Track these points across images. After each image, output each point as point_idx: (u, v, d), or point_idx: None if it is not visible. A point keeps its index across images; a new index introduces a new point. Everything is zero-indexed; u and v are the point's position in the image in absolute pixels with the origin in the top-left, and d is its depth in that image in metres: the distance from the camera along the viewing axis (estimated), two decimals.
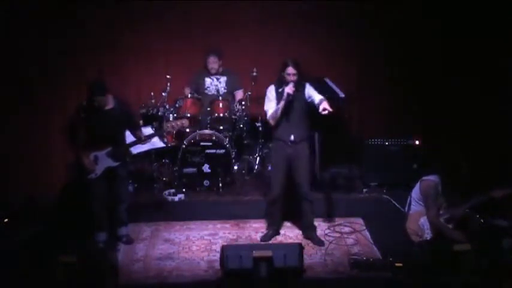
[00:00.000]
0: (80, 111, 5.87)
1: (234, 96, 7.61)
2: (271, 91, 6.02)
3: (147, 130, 6.53)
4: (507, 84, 7.29)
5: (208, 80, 7.53)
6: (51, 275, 4.91)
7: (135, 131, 6.07)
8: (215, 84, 7.53)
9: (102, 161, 5.84)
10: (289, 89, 5.79)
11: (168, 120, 7.01)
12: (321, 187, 7.16)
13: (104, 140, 5.85)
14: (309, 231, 6.23)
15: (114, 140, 5.88)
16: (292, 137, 5.94)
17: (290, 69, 5.85)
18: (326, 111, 5.66)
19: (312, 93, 5.92)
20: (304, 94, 5.94)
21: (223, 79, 7.55)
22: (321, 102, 5.74)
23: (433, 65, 7.72)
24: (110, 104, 5.83)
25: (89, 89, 5.75)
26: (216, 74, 7.52)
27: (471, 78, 7.49)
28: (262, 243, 6.07)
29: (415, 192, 5.82)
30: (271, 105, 5.98)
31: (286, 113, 5.91)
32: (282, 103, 5.85)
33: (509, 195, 5.68)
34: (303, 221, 6.28)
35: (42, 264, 5.25)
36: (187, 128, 7.17)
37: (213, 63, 7.43)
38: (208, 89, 7.54)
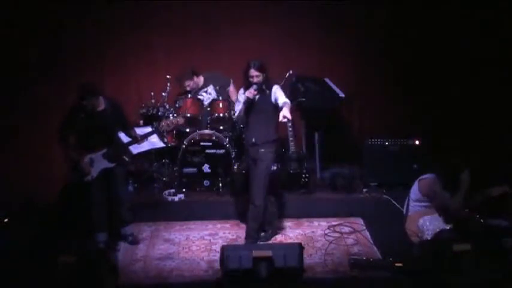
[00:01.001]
0: (71, 114, 5.84)
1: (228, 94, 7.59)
2: (240, 93, 5.98)
3: (147, 129, 6.52)
4: (506, 84, 7.30)
5: (199, 98, 7.52)
6: (51, 275, 4.91)
7: (128, 131, 6.05)
8: (208, 97, 7.51)
9: (98, 163, 5.83)
10: (248, 93, 5.74)
11: (166, 118, 7.00)
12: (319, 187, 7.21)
13: (98, 141, 5.82)
14: (248, 238, 6.05)
15: (109, 141, 5.86)
16: (253, 139, 5.86)
17: (252, 72, 5.77)
18: (285, 119, 5.58)
19: (278, 95, 5.79)
20: (270, 96, 5.83)
21: (210, 88, 7.53)
22: (283, 105, 5.62)
23: (433, 65, 7.72)
24: (102, 105, 5.81)
25: (79, 91, 5.72)
26: (199, 89, 7.52)
27: (471, 78, 7.50)
28: (262, 243, 6.06)
29: (413, 193, 5.82)
30: (238, 107, 5.94)
31: (250, 115, 5.85)
32: (243, 106, 5.81)
33: (507, 193, 5.69)
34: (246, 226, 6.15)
35: (42, 264, 5.25)
36: (185, 127, 7.18)
37: (188, 86, 7.42)
38: (205, 103, 7.51)
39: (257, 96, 5.80)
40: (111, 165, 5.86)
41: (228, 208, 6.86)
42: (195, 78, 7.48)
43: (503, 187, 5.71)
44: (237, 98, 6.05)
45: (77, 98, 5.74)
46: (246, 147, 6.09)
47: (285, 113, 5.52)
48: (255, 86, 5.75)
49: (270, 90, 5.84)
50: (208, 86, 7.53)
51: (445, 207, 5.65)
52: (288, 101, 5.76)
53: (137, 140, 6.04)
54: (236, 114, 5.99)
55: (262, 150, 5.84)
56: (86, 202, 5.96)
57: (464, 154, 5.83)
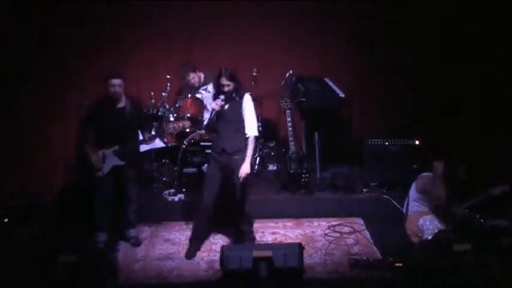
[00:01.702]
0: (90, 109, 5.87)
1: None
2: (209, 101, 5.87)
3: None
4: (507, 83, 7.29)
5: (199, 95, 7.51)
6: (51, 275, 4.91)
7: (144, 132, 6.07)
8: (207, 95, 7.49)
9: (109, 160, 5.85)
10: (214, 104, 5.59)
11: (168, 120, 7.00)
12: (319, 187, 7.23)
13: (112, 138, 5.85)
14: (239, 241, 6.05)
15: (123, 139, 5.87)
16: (223, 148, 5.71)
17: (223, 80, 5.58)
18: (243, 176, 5.56)
19: (245, 111, 5.67)
20: (241, 105, 5.70)
21: (210, 86, 7.52)
22: (247, 141, 5.60)
23: (433, 65, 7.72)
24: (122, 102, 5.83)
25: (106, 77, 5.77)
26: (201, 85, 7.51)
27: (471, 78, 7.50)
28: (262, 243, 6.06)
29: (412, 192, 5.82)
30: (206, 115, 5.80)
31: (219, 122, 5.68)
32: (210, 117, 5.64)
33: (507, 192, 5.69)
34: (235, 230, 6.09)
35: (42, 264, 5.24)
36: (188, 128, 7.19)
37: (193, 78, 7.41)
38: (205, 102, 7.50)
39: (227, 105, 5.67)
40: (122, 163, 5.87)
41: None
42: (198, 72, 7.48)
43: (503, 186, 5.71)
44: (205, 105, 5.88)
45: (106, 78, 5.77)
46: (211, 154, 5.91)
47: (244, 170, 5.55)
48: (222, 97, 5.61)
49: (242, 98, 5.71)
50: (208, 84, 7.52)
51: (437, 199, 5.65)
52: (252, 133, 5.63)
53: (145, 140, 6.05)
54: (204, 123, 5.78)
55: (236, 157, 5.70)
56: (89, 200, 5.97)
57: (463, 153, 5.82)
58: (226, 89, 5.62)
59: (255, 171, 7.50)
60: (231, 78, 5.62)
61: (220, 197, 5.85)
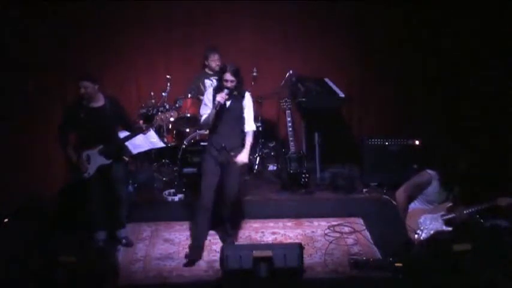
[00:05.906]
0: (70, 113, 5.83)
1: None
2: (208, 96, 5.82)
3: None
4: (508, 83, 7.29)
5: (208, 82, 7.50)
6: (51, 275, 4.91)
7: (130, 127, 6.00)
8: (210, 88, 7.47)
9: (95, 160, 5.81)
10: (220, 97, 5.59)
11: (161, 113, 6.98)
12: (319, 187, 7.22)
13: (95, 138, 5.80)
14: (225, 238, 6.10)
15: (106, 138, 5.83)
16: (223, 144, 5.71)
17: (227, 76, 5.60)
18: (238, 162, 5.65)
19: (246, 107, 5.75)
20: (242, 103, 5.75)
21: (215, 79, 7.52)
22: (245, 136, 5.73)
23: (434, 65, 7.73)
24: (100, 101, 5.80)
25: (78, 77, 5.69)
26: (215, 73, 7.49)
27: (472, 78, 7.49)
28: (262, 243, 6.06)
29: None
30: (205, 111, 5.78)
31: (220, 119, 5.70)
32: (213, 111, 5.65)
33: None
34: (223, 227, 6.13)
35: (42, 264, 5.25)
36: (185, 127, 7.17)
37: (218, 60, 7.37)
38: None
39: (228, 102, 5.69)
40: (108, 161, 5.84)
41: None
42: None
43: (511, 198, 5.59)
44: (203, 101, 5.86)
45: (77, 86, 5.69)
46: (207, 150, 5.87)
47: (242, 157, 5.66)
48: (226, 91, 5.62)
49: (243, 96, 5.76)
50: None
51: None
52: (252, 128, 5.76)
53: (142, 130, 5.97)
54: (203, 118, 5.77)
55: (233, 153, 5.73)
56: (85, 200, 5.96)
57: (466, 153, 5.78)
58: (229, 84, 5.65)
59: (254, 171, 7.52)
60: (235, 74, 5.65)
61: (218, 194, 5.86)
